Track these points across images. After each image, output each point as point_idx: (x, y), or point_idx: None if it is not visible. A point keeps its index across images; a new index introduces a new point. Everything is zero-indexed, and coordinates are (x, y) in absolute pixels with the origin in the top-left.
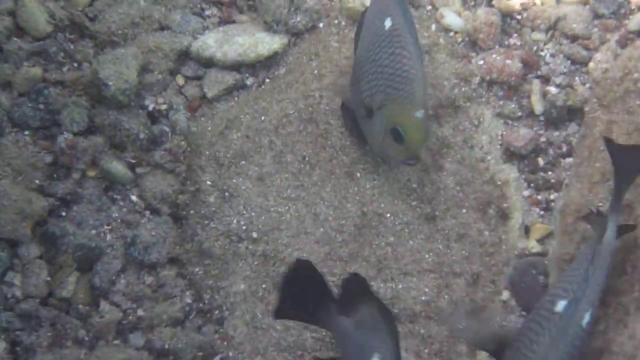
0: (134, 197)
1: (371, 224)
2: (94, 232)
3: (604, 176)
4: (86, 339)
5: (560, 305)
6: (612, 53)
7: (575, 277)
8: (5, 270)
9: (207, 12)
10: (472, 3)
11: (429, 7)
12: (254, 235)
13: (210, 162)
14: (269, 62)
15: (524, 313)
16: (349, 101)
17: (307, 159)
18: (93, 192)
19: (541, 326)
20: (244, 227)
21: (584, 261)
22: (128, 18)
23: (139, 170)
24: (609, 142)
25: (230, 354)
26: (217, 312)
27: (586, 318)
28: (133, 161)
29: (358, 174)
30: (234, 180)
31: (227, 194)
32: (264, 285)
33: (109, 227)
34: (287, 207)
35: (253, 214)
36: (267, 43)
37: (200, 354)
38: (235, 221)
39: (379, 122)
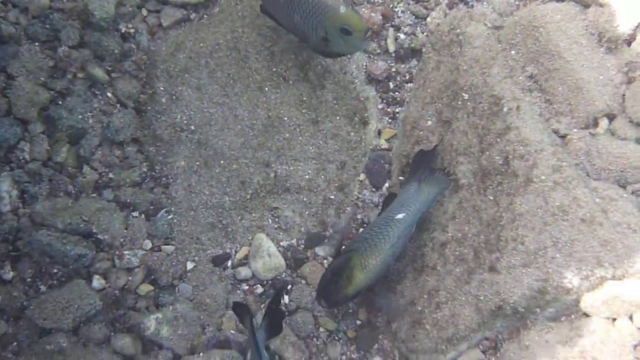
0: (109, 94)
1: (274, 124)
2: (80, 117)
3: (433, 99)
4: (73, 192)
5: (400, 215)
6: (443, 12)
7: (408, 199)
8: (18, 140)
9: None
10: None
11: None
12: (192, 127)
13: (163, 74)
14: (207, 3)
15: (373, 189)
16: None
17: (231, 75)
18: (81, 88)
19: (388, 226)
20: (185, 121)
21: (412, 186)
22: None
23: (113, 75)
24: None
25: (173, 208)
26: (164, 179)
27: (414, 225)
28: (109, 68)
29: (266, 89)
30: (179, 88)
31: (174, 97)
32: (197, 163)
33: (91, 114)
34: (216, 109)
35: (192, 112)
36: None
37: (152, 207)
38: (179, 117)
39: (319, 34)
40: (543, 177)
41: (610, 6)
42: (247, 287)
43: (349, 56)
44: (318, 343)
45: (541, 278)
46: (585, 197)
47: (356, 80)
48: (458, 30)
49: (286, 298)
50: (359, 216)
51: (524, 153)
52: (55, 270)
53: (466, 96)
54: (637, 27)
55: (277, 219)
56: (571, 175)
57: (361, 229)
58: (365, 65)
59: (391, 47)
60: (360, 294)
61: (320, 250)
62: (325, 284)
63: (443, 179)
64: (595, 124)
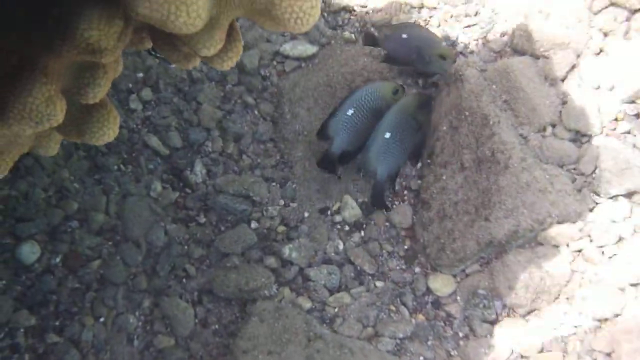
0: (256, 112)
1: None
2: (240, 125)
3: (446, 114)
4: (237, 170)
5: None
6: None
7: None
8: (204, 141)
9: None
10: None
11: None
12: (305, 132)
13: (287, 101)
14: (312, 57)
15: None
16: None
17: (327, 102)
18: (239, 109)
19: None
20: (301, 129)
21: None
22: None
23: (258, 100)
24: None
25: (295, 180)
26: (290, 163)
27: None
28: (255, 97)
29: None
30: (297, 109)
31: (294, 115)
32: (308, 153)
33: (246, 124)
34: (318, 122)
35: (305, 124)
36: (310, 49)
37: (283, 180)
38: (297, 126)
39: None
40: (515, 164)
41: (551, 59)
42: (339, 227)
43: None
44: (382, 259)
45: (515, 224)
46: (541, 176)
47: None
48: (460, 73)
49: (362, 232)
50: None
51: (503, 149)
52: (229, 218)
53: (467, 113)
54: (567, 72)
55: (356, 186)
56: (531, 163)
57: None
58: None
59: (420, 83)
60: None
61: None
62: None
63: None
64: (545, 129)
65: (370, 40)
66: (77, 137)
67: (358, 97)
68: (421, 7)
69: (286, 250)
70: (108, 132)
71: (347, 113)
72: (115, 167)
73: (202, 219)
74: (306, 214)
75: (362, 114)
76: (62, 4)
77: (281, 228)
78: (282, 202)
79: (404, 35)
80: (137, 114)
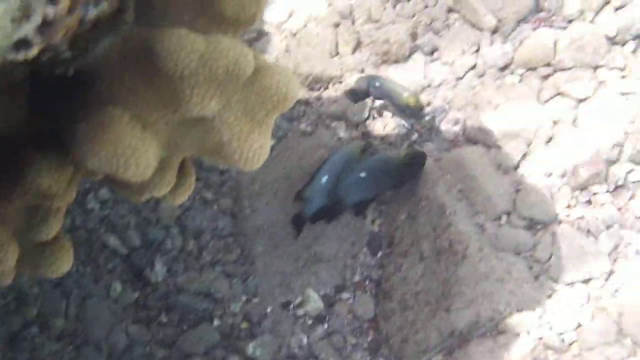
0: (215, 207)
1: None
2: (199, 222)
3: (405, 202)
4: (198, 267)
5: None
6: None
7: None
8: (164, 238)
9: None
10: None
11: None
12: (265, 227)
13: (246, 195)
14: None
15: (371, 255)
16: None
17: (286, 194)
18: (198, 204)
19: None
20: (261, 223)
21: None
22: None
23: (216, 195)
24: None
25: (257, 275)
26: (251, 258)
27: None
28: (214, 192)
29: None
30: (256, 204)
31: (253, 209)
32: (269, 248)
33: (206, 220)
34: (278, 216)
35: (265, 218)
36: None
37: (245, 275)
38: (257, 221)
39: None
40: (473, 255)
41: (503, 148)
42: (302, 321)
43: None
44: (346, 352)
45: (475, 315)
46: (498, 265)
47: None
48: None
49: (325, 325)
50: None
51: (461, 239)
52: (191, 316)
53: (424, 203)
54: (519, 160)
55: (318, 278)
56: (488, 252)
57: None
58: None
59: None
60: None
61: (344, 295)
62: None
63: None
64: (500, 218)
65: (355, 95)
66: (31, 270)
67: (331, 163)
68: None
69: (250, 348)
70: (62, 265)
71: (321, 181)
72: (74, 269)
73: (164, 319)
74: (269, 309)
75: (335, 178)
76: (11, 150)
77: (244, 324)
78: (244, 297)
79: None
80: (95, 213)
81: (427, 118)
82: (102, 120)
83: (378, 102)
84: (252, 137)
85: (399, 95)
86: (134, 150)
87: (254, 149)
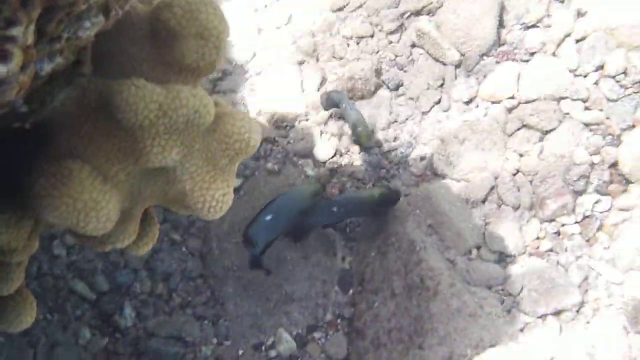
0: (183, 249)
1: (281, 262)
2: (168, 264)
3: (374, 239)
4: (168, 311)
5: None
6: (373, 186)
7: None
8: (132, 282)
9: None
10: None
11: None
12: (234, 268)
13: (215, 236)
14: (236, 190)
15: (343, 293)
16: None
17: None
18: (166, 247)
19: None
20: (230, 264)
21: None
22: None
23: (185, 237)
24: None
25: (227, 317)
26: (221, 299)
27: None
28: (182, 233)
29: None
30: (225, 245)
31: (222, 250)
32: (239, 289)
33: (175, 262)
34: (247, 256)
35: (234, 259)
36: (235, 181)
37: (215, 317)
38: (226, 262)
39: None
40: (444, 291)
41: (471, 182)
42: None
43: None
44: None
45: (449, 351)
46: (470, 301)
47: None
48: None
49: None
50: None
51: (432, 275)
52: None
53: (394, 239)
54: (486, 194)
55: (289, 318)
56: (460, 288)
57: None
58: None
59: None
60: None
61: (316, 334)
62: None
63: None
64: (470, 252)
65: (329, 101)
66: None
67: (278, 202)
68: (341, 134)
69: None
70: (25, 319)
71: (265, 219)
72: (42, 316)
73: None
74: (240, 352)
75: (281, 217)
76: None
77: None
78: (215, 340)
79: (344, 106)
80: (62, 259)
81: (394, 153)
82: (61, 174)
83: (346, 142)
84: (214, 185)
85: (354, 127)
86: (94, 204)
87: (217, 197)
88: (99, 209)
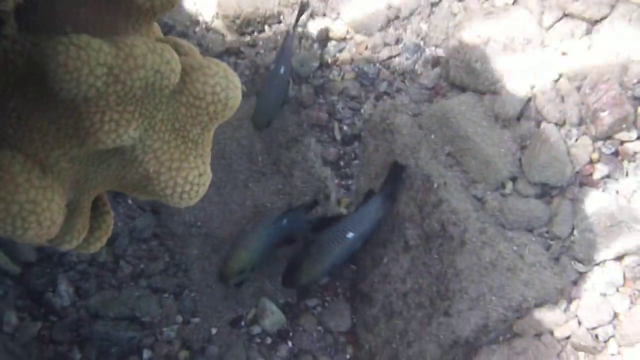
0: (129, 201)
1: (260, 211)
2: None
3: (377, 175)
4: (116, 284)
5: (350, 235)
6: (372, 104)
7: (356, 221)
8: None
9: None
10: None
11: None
12: (199, 224)
13: None
14: None
15: None
16: None
17: (222, 179)
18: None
19: (337, 243)
20: (193, 219)
21: (376, 201)
22: None
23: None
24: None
25: (194, 287)
26: (183, 265)
27: (358, 242)
28: None
29: (250, 184)
30: None
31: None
32: (207, 250)
33: (120, 219)
34: (214, 207)
35: (197, 212)
36: None
37: (178, 288)
38: (187, 217)
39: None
40: (474, 239)
41: (500, 94)
42: (259, 340)
43: (309, 147)
44: None
45: (483, 317)
46: (507, 250)
47: (315, 165)
48: (388, 121)
49: (289, 343)
50: None
51: (456, 220)
52: (113, 350)
53: (404, 175)
54: (523, 108)
55: (274, 283)
56: (494, 233)
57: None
58: (321, 153)
59: (338, 136)
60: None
61: (310, 302)
62: (284, 274)
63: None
64: (504, 186)
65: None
66: None
67: (251, 237)
68: (326, 39)
69: None
70: None
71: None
72: None
73: (77, 355)
74: (214, 330)
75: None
76: None
77: (183, 353)
78: (180, 318)
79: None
80: None
81: (397, 60)
82: None
83: (332, 48)
84: (186, 164)
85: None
86: (32, 205)
87: (190, 179)
88: (40, 212)
